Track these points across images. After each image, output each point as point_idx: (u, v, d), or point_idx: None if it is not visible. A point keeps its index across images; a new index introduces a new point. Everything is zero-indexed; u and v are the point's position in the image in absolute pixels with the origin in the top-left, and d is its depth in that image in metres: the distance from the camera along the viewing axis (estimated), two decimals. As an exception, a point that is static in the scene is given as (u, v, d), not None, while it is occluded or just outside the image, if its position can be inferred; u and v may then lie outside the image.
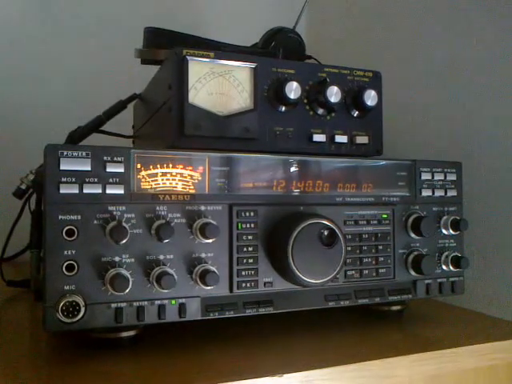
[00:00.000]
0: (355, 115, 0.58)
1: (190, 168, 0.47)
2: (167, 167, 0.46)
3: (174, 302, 0.45)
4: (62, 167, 0.42)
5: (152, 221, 0.45)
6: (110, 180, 0.44)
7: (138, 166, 0.45)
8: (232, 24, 1.19)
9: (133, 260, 0.44)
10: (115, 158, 0.44)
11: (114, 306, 0.43)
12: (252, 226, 0.48)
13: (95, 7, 1.12)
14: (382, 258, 0.54)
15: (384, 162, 0.56)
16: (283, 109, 0.54)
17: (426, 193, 0.58)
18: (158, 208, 0.45)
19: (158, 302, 0.45)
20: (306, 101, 0.55)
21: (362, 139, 0.58)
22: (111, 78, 1.05)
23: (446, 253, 0.58)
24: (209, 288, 0.45)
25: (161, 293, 0.44)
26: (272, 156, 0.51)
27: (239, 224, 0.48)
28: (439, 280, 0.58)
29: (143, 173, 0.45)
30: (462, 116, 0.77)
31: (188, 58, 0.50)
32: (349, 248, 0.52)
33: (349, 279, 0.53)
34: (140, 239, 0.44)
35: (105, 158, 0.43)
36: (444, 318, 0.61)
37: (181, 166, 0.47)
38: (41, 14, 1.09)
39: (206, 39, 0.63)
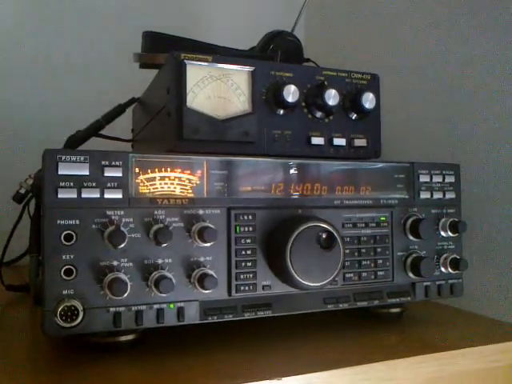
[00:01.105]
0: (353, 118, 0.58)
1: (189, 172, 0.47)
2: (165, 171, 0.46)
3: (172, 305, 0.45)
4: (61, 172, 0.42)
5: (150, 225, 0.45)
6: (108, 184, 0.44)
7: (136, 170, 0.45)
8: (230, 28, 1.19)
9: (131, 264, 0.44)
10: (113, 163, 0.44)
11: (112, 310, 0.43)
12: (250, 229, 0.48)
13: (94, 10, 1.12)
14: (381, 261, 0.54)
15: (382, 165, 0.56)
16: (281, 112, 0.54)
17: (424, 195, 0.58)
18: (156, 212, 0.45)
19: (156, 306, 0.45)
20: (304, 104, 0.55)
21: (360, 142, 0.58)
22: (110, 81, 1.05)
23: (445, 255, 0.58)
24: (207, 292, 0.45)
25: (159, 297, 0.44)
26: (270, 159, 0.51)
27: (237, 227, 0.48)
28: (438, 282, 0.58)
29: (141, 177, 0.45)
30: (460, 118, 0.77)
31: (186, 61, 0.50)
32: (347, 251, 0.52)
33: (347, 282, 0.53)
34: (138, 243, 0.44)
35: (103, 162, 0.44)
36: (443, 320, 0.61)
37: (179, 170, 0.47)
38: (39, 15, 1.09)
39: (204, 43, 0.63)
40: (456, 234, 0.58)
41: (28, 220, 0.67)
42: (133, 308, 0.44)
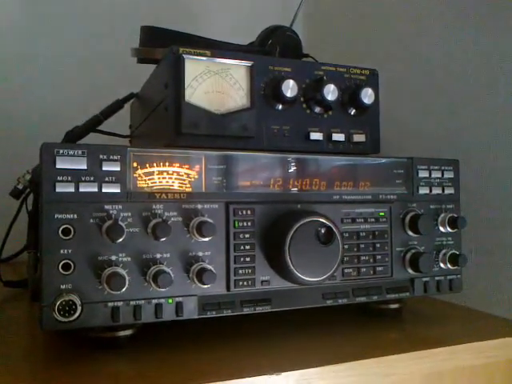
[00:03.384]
0: (352, 113, 0.58)
1: (187, 166, 0.47)
2: (164, 166, 0.46)
3: (170, 300, 0.45)
4: (58, 166, 0.42)
5: (148, 219, 0.44)
6: (106, 179, 0.43)
7: (135, 164, 0.45)
8: (228, 22, 1.19)
9: (129, 259, 0.44)
10: (111, 157, 0.44)
11: (110, 304, 0.43)
12: (249, 224, 0.48)
13: (92, 6, 1.12)
14: (380, 256, 0.54)
15: (381, 160, 0.56)
16: (280, 107, 0.54)
17: (423, 190, 0.57)
18: (154, 206, 0.45)
19: (154, 301, 0.44)
20: (302, 99, 0.55)
21: (359, 137, 0.57)
22: (108, 77, 1.05)
23: (444, 250, 0.57)
24: (206, 287, 0.45)
25: (157, 291, 0.44)
26: (269, 154, 0.51)
27: (236, 222, 0.48)
28: (437, 278, 0.57)
29: (139, 171, 0.45)
30: (460, 113, 0.77)
31: (184, 56, 0.50)
32: (346, 246, 0.52)
33: (346, 277, 0.52)
34: (136, 238, 0.44)
35: (101, 156, 0.43)
36: (442, 315, 0.61)
37: (177, 165, 0.46)
38: (37, 12, 1.08)
39: (203, 37, 0.62)
40: (455, 230, 0.58)
41: (26, 216, 0.67)
42: (131, 303, 0.44)
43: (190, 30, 0.63)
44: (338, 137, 0.56)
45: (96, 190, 0.43)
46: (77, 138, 0.69)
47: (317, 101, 0.55)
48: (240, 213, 0.48)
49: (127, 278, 0.43)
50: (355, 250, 0.53)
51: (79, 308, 0.41)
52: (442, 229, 0.58)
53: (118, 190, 0.44)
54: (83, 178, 0.43)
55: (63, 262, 0.41)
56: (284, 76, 0.54)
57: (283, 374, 0.41)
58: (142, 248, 0.44)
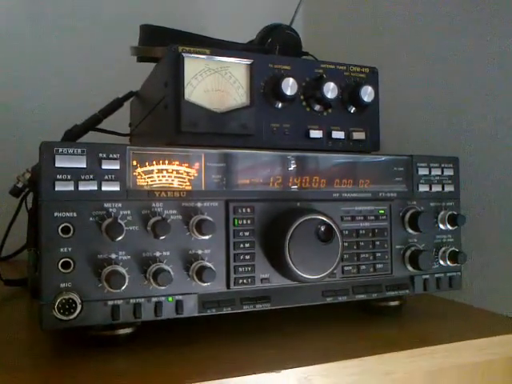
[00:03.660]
0: (352, 111, 0.57)
1: (186, 164, 0.47)
2: (163, 164, 0.46)
3: (170, 298, 0.45)
4: (58, 164, 0.42)
5: (148, 217, 0.44)
6: (106, 177, 0.43)
7: (134, 162, 0.45)
8: (229, 21, 1.19)
9: (129, 257, 0.44)
10: (111, 155, 0.44)
11: (110, 303, 0.43)
12: (249, 222, 0.48)
13: (91, 4, 1.12)
14: (380, 254, 0.54)
15: (381, 158, 0.56)
16: (280, 105, 0.54)
17: (423, 188, 0.57)
18: (154, 205, 0.45)
19: (154, 299, 0.44)
20: (302, 97, 0.55)
21: (358, 135, 0.57)
22: (108, 75, 1.05)
23: (444, 248, 0.57)
24: (206, 284, 0.45)
25: (157, 289, 0.44)
26: (269, 152, 0.51)
27: (236, 220, 0.48)
28: (437, 275, 0.57)
29: (139, 169, 0.45)
30: (460, 112, 0.77)
31: (184, 54, 0.50)
32: (346, 244, 0.52)
33: (346, 275, 0.52)
34: (136, 236, 0.44)
35: (100, 154, 0.43)
36: (442, 313, 0.61)
37: (177, 163, 0.46)
38: (37, 11, 1.08)
39: (202, 36, 0.62)
40: (455, 227, 0.58)
41: (26, 214, 0.67)
42: (131, 301, 0.44)
43: (189, 29, 0.63)
44: (338, 135, 0.56)
45: (95, 188, 0.43)
46: (76, 136, 0.69)
47: (316, 99, 0.55)
48: (240, 211, 0.48)
49: (127, 276, 0.43)
50: (355, 247, 0.53)
51: (79, 306, 0.41)
52: (441, 226, 0.58)
53: (118, 189, 0.44)
54: (83, 177, 0.43)
55: (63, 260, 0.41)
56: (284, 74, 0.53)
57: (283, 371, 0.41)
58: (142, 246, 0.44)
